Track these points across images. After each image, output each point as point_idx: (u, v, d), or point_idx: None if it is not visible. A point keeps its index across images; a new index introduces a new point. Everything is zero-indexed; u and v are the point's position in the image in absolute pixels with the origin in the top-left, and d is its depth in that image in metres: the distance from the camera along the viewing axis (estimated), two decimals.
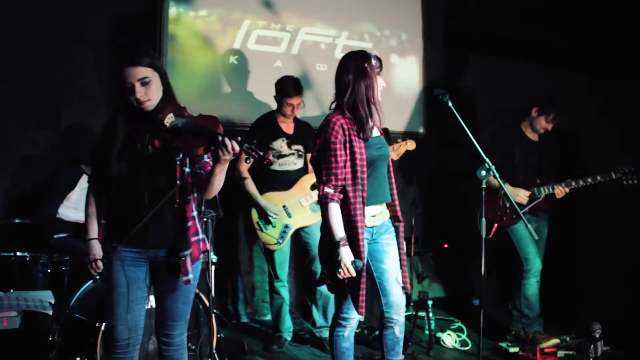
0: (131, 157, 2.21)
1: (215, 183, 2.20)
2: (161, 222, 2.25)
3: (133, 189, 2.21)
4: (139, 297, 2.29)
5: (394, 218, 2.76)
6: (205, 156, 2.30)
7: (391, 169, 2.76)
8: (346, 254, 2.49)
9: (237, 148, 2.04)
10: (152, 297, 2.94)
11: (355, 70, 2.57)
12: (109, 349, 2.30)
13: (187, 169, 2.28)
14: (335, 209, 2.52)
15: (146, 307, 2.39)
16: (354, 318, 2.70)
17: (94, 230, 2.35)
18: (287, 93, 3.79)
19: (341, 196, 2.54)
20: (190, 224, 2.27)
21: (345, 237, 2.51)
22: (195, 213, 2.33)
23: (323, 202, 2.53)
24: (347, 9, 4.84)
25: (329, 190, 2.52)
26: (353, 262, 2.49)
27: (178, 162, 2.23)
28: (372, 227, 2.64)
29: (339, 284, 2.60)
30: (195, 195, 2.34)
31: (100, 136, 2.31)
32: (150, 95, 2.21)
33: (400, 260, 2.72)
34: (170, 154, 2.20)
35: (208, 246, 2.42)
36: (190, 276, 2.27)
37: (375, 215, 2.64)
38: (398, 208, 2.74)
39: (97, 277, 2.33)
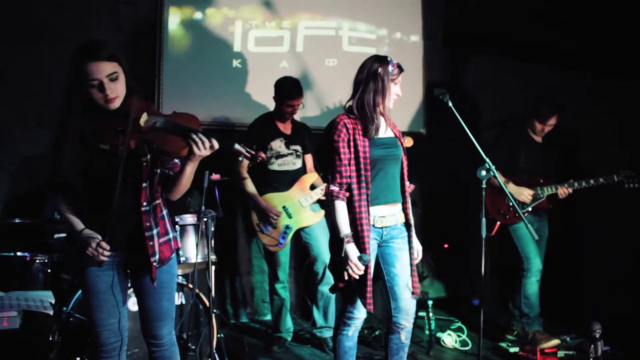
0: (93, 159, 2.10)
1: (183, 183, 2.18)
2: (129, 223, 2.19)
3: (98, 193, 2.12)
4: (119, 300, 2.24)
5: (406, 223, 2.75)
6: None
7: (405, 171, 2.75)
8: (352, 250, 2.51)
9: (215, 145, 2.02)
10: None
11: (368, 72, 2.61)
12: (95, 354, 2.25)
13: (158, 170, 2.22)
14: (340, 206, 2.56)
15: (130, 310, 2.35)
16: (359, 318, 2.71)
17: (79, 222, 2.16)
18: (289, 94, 3.79)
19: (347, 194, 2.57)
20: (156, 227, 2.22)
21: (350, 234, 2.54)
22: (165, 212, 2.28)
23: (329, 200, 2.58)
24: (345, 9, 4.83)
25: (334, 188, 2.57)
26: (359, 258, 2.50)
27: (144, 163, 2.15)
28: (381, 228, 2.64)
29: (348, 283, 2.59)
30: (164, 196, 2.28)
31: (54, 140, 2.13)
32: (119, 92, 2.08)
33: (411, 266, 2.71)
34: (138, 155, 2.10)
35: (179, 244, 2.37)
36: (152, 279, 2.22)
37: (385, 217, 2.64)
38: (409, 212, 2.74)
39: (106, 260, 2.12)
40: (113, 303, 2.22)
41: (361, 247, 2.54)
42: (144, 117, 2.06)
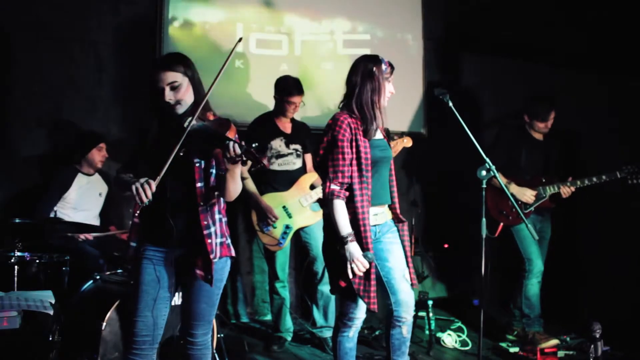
0: (156, 159, 2.23)
1: (229, 186, 2.25)
2: (185, 223, 2.29)
3: (159, 190, 2.22)
4: (162, 296, 2.32)
5: (395, 219, 2.77)
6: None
7: (392, 171, 2.77)
8: (355, 249, 2.49)
9: (238, 151, 2.07)
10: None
11: (364, 72, 2.62)
12: (128, 346, 2.32)
13: (212, 171, 2.31)
14: (340, 206, 2.52)
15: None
16: (359, 318, 2.70)
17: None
18: (289, 92, 3.79)
19: (347, 194, 2.54)
20: (213, 225, 2.30)
21: (352, 232, 2.51)
22: (220, 215, 2.35)
23: (328, 199, 2.53)
24: (346, 8, 4.84)
25: (335, 187, 2.53)
26: (364, 255, 2.49)
27: (197, 165, 2.26)
28: (374, 225, 2.64)
29: (351, 283, 2.56)
30: (221, 198, 2.36)
31: (138, 138, 2.37)
32: (180, 100, 2.28)
33: (406, 258, 2.72)
34: (190, 156, 2.24)
35: (233, 252, 2.40)
36: (211, 277, 2.28)
37: (378, 214, 2.65)
38: (398, 209, 2.76)
39: (146, 204, 2.15)
40: (152, 296, 2.29)
41: (363, 246, 2.52)
42: (188, 122, 2.21)
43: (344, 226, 2.51)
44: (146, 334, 2.29)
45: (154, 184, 2.13)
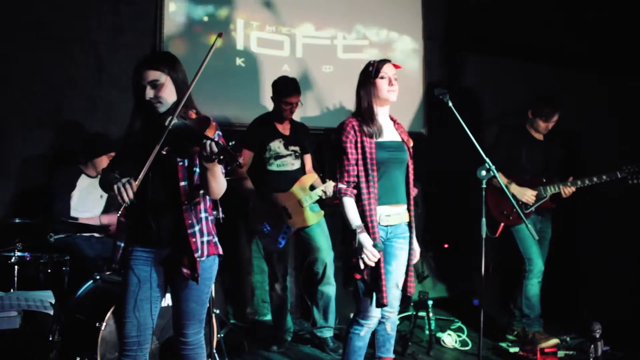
0: (140, 157, 2.22)
1: (211, 185, 2.22)
2: (169, 222, 2.28)
3: (142, 190, 2.22)
4: (149, 296, 2.31)
5: (407, 223, 2.86)
6: None
7: (411, 174, 2.86)
8: (366, 239, 2.61)
9: (214, 149, 2.06)
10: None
11: (359, 82, 2.85)
12: (120, 347, 2.32)
13: (196, 169, 2.31)
14: (349, 202, 2.68)
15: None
16: (374, 317, 2.76)
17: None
18: (286, 92, 3.79)
19: (355, 191, 2.69)
20: (197, 224, 2.29)
21: (362, 225, 2.63)
22: (206, 215, 2.34)
23: (338, 197, 2.71)
24: (346, 8, 4.84)
25: (342, 185, 2.71)
26: (374, 245, 2.60)
27: (180, 164, 2.26)
28: (386, 226, 2.74)
29: (364, 277, 2.67)
30: (207, 197, 2.34)
31: (125, 136, 2.38)
32: (160, 98, 2.27)
33: (408, 265, 2.84)
34: (174, 155, 2.23)
35: (220, 250, 2.40)
36: (197, 275, 2.27)
37: (390, 215, 2.75)
38: (412, 214, 2.85)
39: (128, 203, 2.15)
40: (141, 297, 2.29)
41: (371, 237, 2.63)
42: (169, 120, 2.19)
43: (354, 219, 2.65)
44: (135, 335, 2.29)
45: (135, 184, 2.13)
